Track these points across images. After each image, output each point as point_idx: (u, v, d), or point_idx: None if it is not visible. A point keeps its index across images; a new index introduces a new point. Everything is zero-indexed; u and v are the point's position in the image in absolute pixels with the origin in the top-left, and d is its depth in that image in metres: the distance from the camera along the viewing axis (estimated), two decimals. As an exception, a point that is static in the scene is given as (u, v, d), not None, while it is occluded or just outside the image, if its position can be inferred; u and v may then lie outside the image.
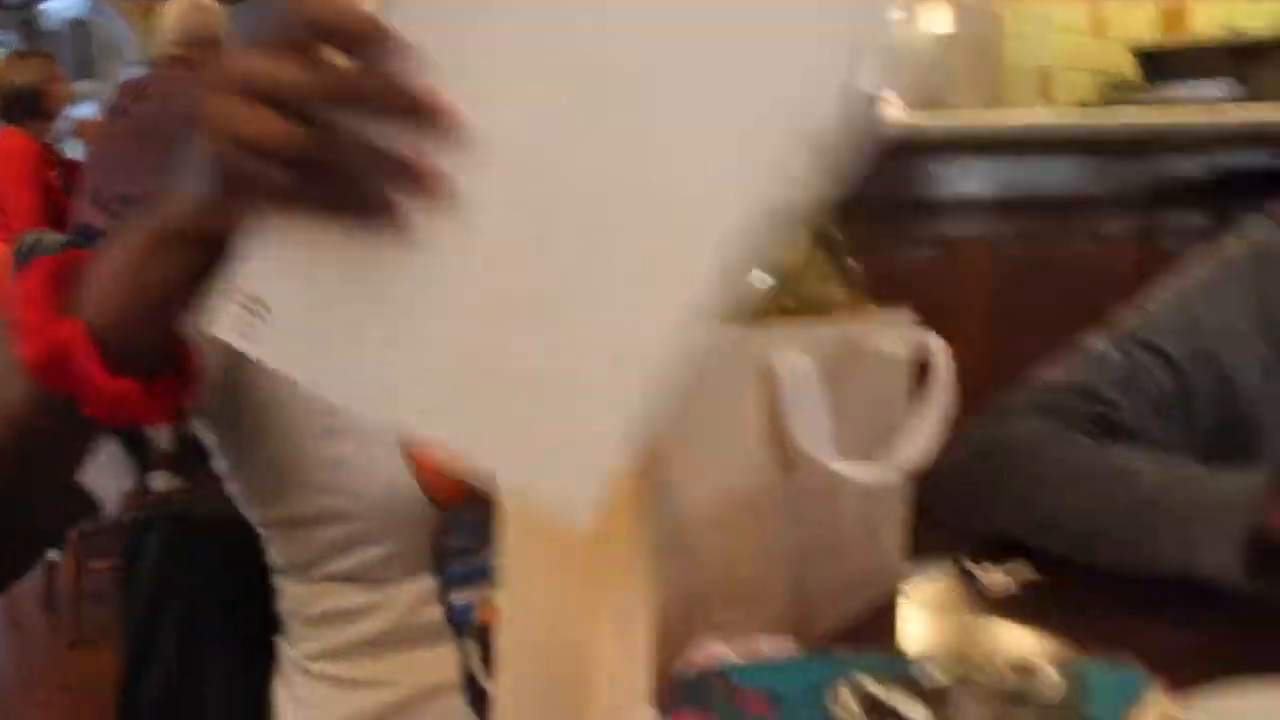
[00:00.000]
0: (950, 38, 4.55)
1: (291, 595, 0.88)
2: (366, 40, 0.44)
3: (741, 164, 0.44)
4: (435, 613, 0.83)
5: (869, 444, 0.55)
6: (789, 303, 0.55)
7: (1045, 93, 5.36)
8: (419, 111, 0.44)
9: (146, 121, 2.95)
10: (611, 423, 0.45)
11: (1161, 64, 5.28)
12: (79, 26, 13.10)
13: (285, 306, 0.48)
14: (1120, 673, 0.55)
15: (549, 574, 0.53)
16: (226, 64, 0.47)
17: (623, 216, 0.45)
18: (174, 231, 0.54)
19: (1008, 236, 2.56)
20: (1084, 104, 5.45)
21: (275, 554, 0.88)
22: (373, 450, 0.81)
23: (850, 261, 0.62)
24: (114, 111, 3.13)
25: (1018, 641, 0.73)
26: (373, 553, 0.83)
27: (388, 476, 0.81)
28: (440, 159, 0.44)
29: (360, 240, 0.47)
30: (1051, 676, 0.53)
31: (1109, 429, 0.96)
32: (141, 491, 3.01)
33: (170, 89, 2.98)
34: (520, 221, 0.46)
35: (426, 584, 0.84)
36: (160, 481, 3.76)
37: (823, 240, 0.60)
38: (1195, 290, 1.04)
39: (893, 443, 0.54)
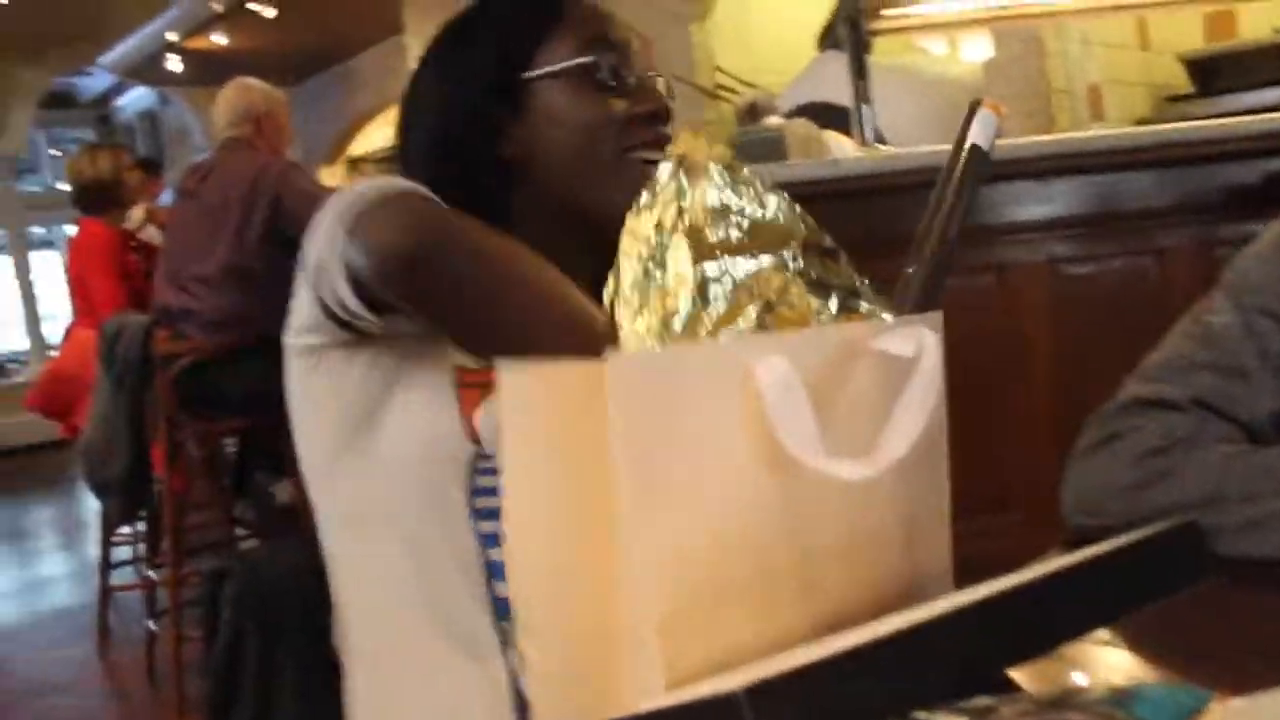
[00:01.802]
0: (993, 64, 4.54)
1: None
2: None
3: None
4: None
5: (870, 442, 0.56)
6: (769, 320, 0.57)
7: (1097, 111, 5.31)
8: None
9: (212, 202, 3.06)
10: None
11: (1213, 71, 5.22)
12: (149, 118, 13.61)
13: None
14: (1184, 691, 0.51)
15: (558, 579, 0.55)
16: None
17: None
18: None
19: (1065, 258, 2.55)
20: (1138, 119, 5.40)
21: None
22: None
23: (859, 278, 0.62)
24: (182, 195, 3.23)
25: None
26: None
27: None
28: None
29: None
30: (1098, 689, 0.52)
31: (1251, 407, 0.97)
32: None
33: (231, 169, 3.09)
34: None
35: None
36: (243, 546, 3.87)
37: (815, 255, 0.60)
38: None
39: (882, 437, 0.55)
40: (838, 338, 0.56)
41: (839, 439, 0.53)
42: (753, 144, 2.71)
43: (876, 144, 2.69)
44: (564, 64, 0.97)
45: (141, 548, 3.81)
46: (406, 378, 0.88)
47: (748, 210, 0.58)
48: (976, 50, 3.07)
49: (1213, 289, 1.05)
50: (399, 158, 1.02)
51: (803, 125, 2.94)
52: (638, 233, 0.56)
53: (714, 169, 0.58)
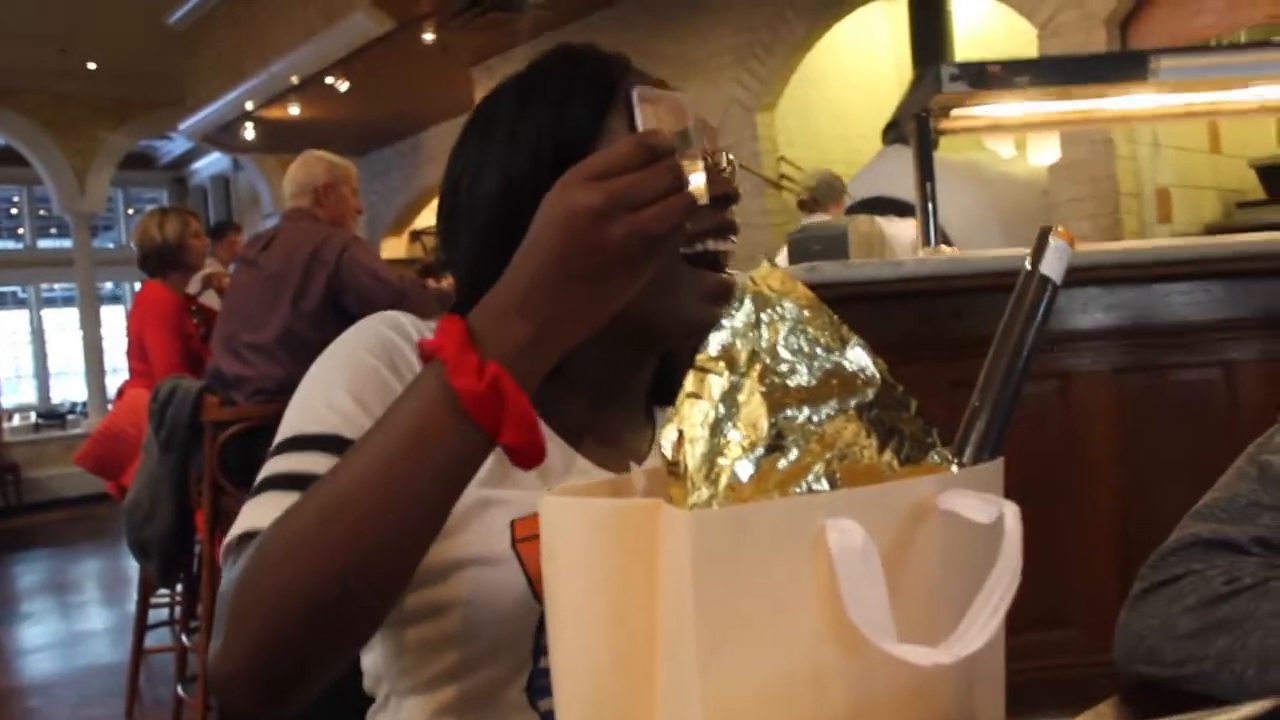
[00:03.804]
0: (1060, 166, 4.49)
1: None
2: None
3: None
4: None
5: (941, 613, 0.51)
6: (838, 471, 0.53)
7: (1165, 214, 5.24)
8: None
9: (271, 270, 3.08)
10: None
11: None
12: (222, 182, 13.98)
13: None
14: None
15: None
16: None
17: None
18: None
19: (1129, 367, 2.48)
20: (1208, 224, 5.31)
21: (384, 672, 0.88)
22: (499, 551, 0.83)
23: (929, 427, 0.58)
24: (242, 262, 3.26)
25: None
26: (478, 646, 0.84)
27: (506, 577, 0.83)
28: None
29: None
30: None
31: None
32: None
33: (292, 239, 3.12)
34: None
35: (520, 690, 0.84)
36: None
37: (889, 402, 0.56)
38: None
39: (960, 618, 0.50)
40: (909, 496, 0.52)
41: (906, 607, 0.50)
42: (814, 239, 2.69)
43: (939, 243, 2.64)
44: None
45: (178, 610, 3.80)
46: None
47: (823, 354, 0.54)
48: (1045, 153, 3.03)
49: (1273, 427, 1.00)
50: (441, 244, 0.97)
51: (866, 221, 2.91)
52: (708, 369, 0.52)
53: (791, 308, 0.54)
